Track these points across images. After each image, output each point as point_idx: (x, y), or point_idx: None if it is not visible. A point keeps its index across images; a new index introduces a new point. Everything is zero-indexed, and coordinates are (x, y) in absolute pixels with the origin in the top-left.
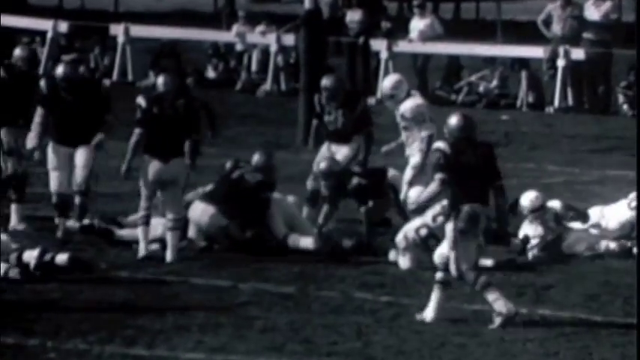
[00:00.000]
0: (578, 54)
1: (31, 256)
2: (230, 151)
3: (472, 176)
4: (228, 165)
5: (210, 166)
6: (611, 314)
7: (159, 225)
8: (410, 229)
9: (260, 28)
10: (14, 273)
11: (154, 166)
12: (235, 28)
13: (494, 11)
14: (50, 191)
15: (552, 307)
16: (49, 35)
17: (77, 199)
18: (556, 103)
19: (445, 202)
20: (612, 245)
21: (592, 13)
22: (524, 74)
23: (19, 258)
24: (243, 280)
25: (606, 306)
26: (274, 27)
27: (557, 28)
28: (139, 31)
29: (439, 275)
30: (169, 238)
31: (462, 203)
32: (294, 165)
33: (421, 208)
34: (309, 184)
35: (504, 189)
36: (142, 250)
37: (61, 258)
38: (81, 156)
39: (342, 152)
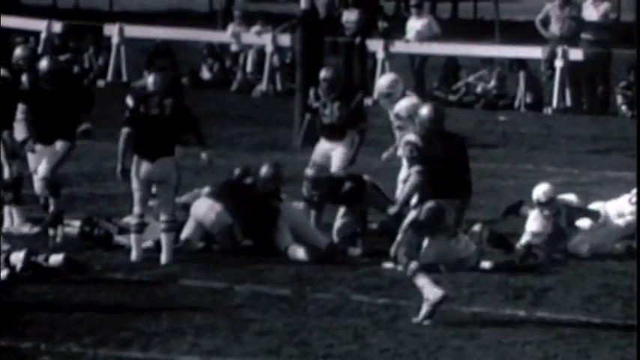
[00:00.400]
0: (576, 54)
1: (17, 258)
2: (225, 152)
3: (442, 168)
4: (237, 171)
5: (205, 168)
6: (610, 316)
7: (159, 229)
8: None
9: (256, 28)
10: (4, 274)
11: (142, 166)
12: (231, 28)
13: (492, 11)
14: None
15: (551, 309)
16: (43, 35)
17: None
18: (554, 103)
19: None
20: (617, 246)
21: (590, 13)
22: (522, 74)
23: (7, 260)
24: (239, 283)
25: (605, 308)
26: (270, 27)
27: (555, 28)
28: (134, 31)
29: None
30: (164, 239)
31: (430, 197)
32: (290, 166)
33: (405, 206)
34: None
35: (471, 183)
36: (134, 257)
37: (56, 259)
38: (55, 147)
39: (338, 151)
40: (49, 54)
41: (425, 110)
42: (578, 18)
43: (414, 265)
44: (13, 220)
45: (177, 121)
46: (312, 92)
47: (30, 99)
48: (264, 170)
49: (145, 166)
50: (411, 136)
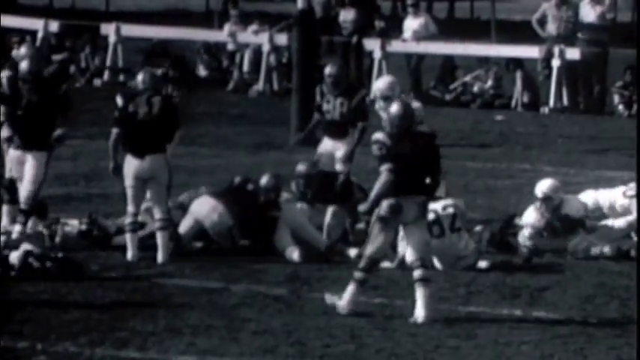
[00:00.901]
0: (573, 54)
1: (15, 257)
2: (222, 152)
3: (407, 166)
4: (237, 179)
5: (202, 167)
6: (607, 316)
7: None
8: None
9: (252, 27)
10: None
11: (132, 164)
12: (227, 27)
13: (489, 10)
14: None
15: (547, 309)
16: (40, 35)
17: (20, 218)
18: (551, 103)
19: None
20: (606, 249)
21: (587, 13)
22: (518, 74)
23: (6, 259)
24: (236, 282)
25: (602, 308)
26: (267, 26)
27: (552, 28)
28: (131, 30)
29: (417, 273)
30: (159, 238)
31: (392, 193)
32: (287, 165)
33: (375, 206)
34: None
35: (438, 182)
36: (130, 257)
37: (52, 258)
38: (30, 168)
39: (340, 151)
40: (48, 54)
41: (395, 107)
42: (575, 17)
43: (363, 274)
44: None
45: (165, 119)
46: (317, 90)
47: (10, 102)
48: (265, 180)
49: (135, 164)
50: (380, 135)
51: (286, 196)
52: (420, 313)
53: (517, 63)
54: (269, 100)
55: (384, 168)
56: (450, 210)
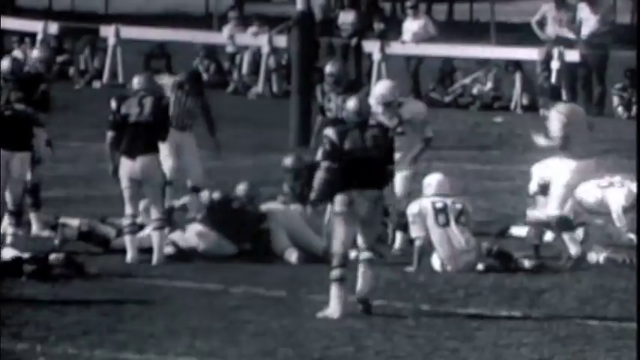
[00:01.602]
0: (572, 56)
1: (28, 268)
2: (221, 154)
3: (358, 161)
4: (216, 196)
5: (203, 169)
6: (606, 318)
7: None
8: (426, 199)
9: (252, 29)
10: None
11: (126, 166)
12: (226, 29)
13: (488, 13)
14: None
15: (546, 310)
16: (39, 37)
17: (11, 220)
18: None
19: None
20: (600, 259)
21: (587, 15)
22: (518, 76)
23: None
24: (235, 284)
25: (601, 310)
26: (266, 28)
27: (551, 30)
28: (130, 32)
29: (364, 255)
30: (154, 238)
31: (342, 188)
32: None
33: (322, 198)
34: None
35: (392, 173)
36: (129, 259)
37: (54, 257)
38: (16, 169)
39: None
40: (47, 56)
41: (351, 103)
42: (574, 19)
43: (339, 272)
44: (32, 225)
45: (156, 120)
46: (318, 90)
47: None
48: (242, 189)
49: (128, 165)
50: (330, 131)
51: (282, 198)
52: (362, 288)
53: (516, 65)
54: (268, 102)
55: (323, 165)
56: (459, 206)
